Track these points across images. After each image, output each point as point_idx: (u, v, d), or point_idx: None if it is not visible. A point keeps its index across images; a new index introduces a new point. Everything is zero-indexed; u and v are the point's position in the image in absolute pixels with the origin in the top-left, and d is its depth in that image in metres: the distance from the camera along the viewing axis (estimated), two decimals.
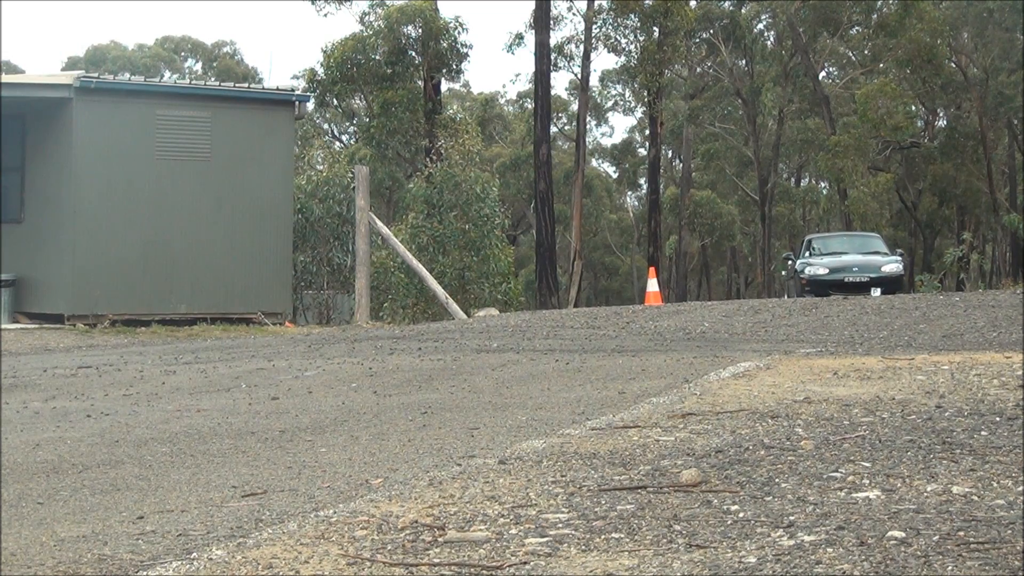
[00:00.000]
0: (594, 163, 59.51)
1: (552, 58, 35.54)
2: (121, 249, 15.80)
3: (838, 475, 3.94)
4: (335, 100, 37.85)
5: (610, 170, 63.08)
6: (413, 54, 34.19)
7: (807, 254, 24.06)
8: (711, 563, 2.97)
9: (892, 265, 22.40)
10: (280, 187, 17.07)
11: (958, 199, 46.50)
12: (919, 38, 38.53)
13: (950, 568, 2.81)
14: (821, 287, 21.80)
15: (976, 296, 13.74)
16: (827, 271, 22.34)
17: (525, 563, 3.08)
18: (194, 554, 3.37)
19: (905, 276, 22.80)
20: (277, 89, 17.46)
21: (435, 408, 6.19)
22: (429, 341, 10.26)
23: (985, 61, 43.92)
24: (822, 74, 46.65)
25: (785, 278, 26.12)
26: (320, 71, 34.17)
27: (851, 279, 22.01)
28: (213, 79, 48.55)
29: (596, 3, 36.21)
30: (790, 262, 24.13)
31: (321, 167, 23.45)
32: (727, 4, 45.16)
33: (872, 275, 22.08)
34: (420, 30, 33.61)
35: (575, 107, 47.86)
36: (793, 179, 56.44)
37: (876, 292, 21.01)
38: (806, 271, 22.59)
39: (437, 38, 33.33)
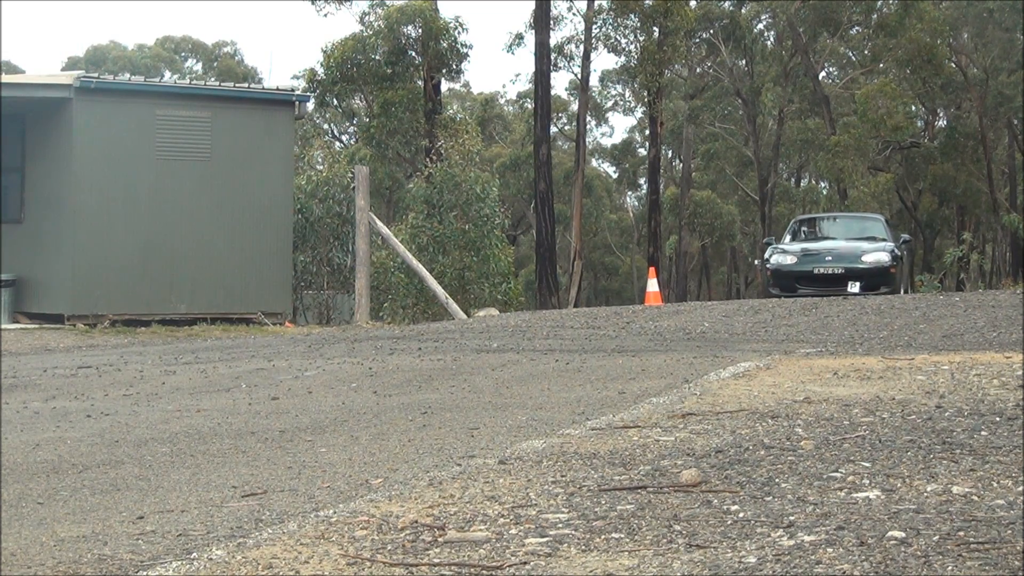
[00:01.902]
0: (594, 163, 59.53)
1: (552, 58, 35.55)
2: (121, 249, 15.80)
3: (838, 475, 3.93)
4: (335, 100, 37.86)
5: (610, 170, 63.12)
6: (413, 54, 34.20)
7: (788, 238, 20.60)
8: (711, 563, 2.97)
9: (877, 254, 18.67)
10: (280, 187, 17.07)
11: (958, 199, 46.53)
12: (919, 38, 38.56)
13: (950, 568, 2.81)
14: (786, 279, 18.51)
15: (976, 296, 13.74)
16: (795, 260, 18.73)
17: (525, 563, 3.08)
18: (194, 554, 3.37)
19: (896, 268, 18.75)
20: (277, 89, 17.46)
21: (435, 408, 6.19)
22: (429, 341, 10.25)
23: (985, 61, 43.94)
24: (822, 74, 46.68)
25: (759, 268, 21.82)
26: (320, 71, 34.17)
27: (822, 270, 18.46)
28: (213, 79, 48.58)
29: (596, 3, 36.22)
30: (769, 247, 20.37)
31: (321, 167, 23.45)
32: (727, 4, 45.17)
33: (848, 265, 18.49)
34: (420, 30, 33.61)
35: (575, 107, 47.89)
36: (793, 179, 56.46)
37: (854, 287, 18.03)
38: (772, 259, 18.95)
39: (437, 38, 33.33)
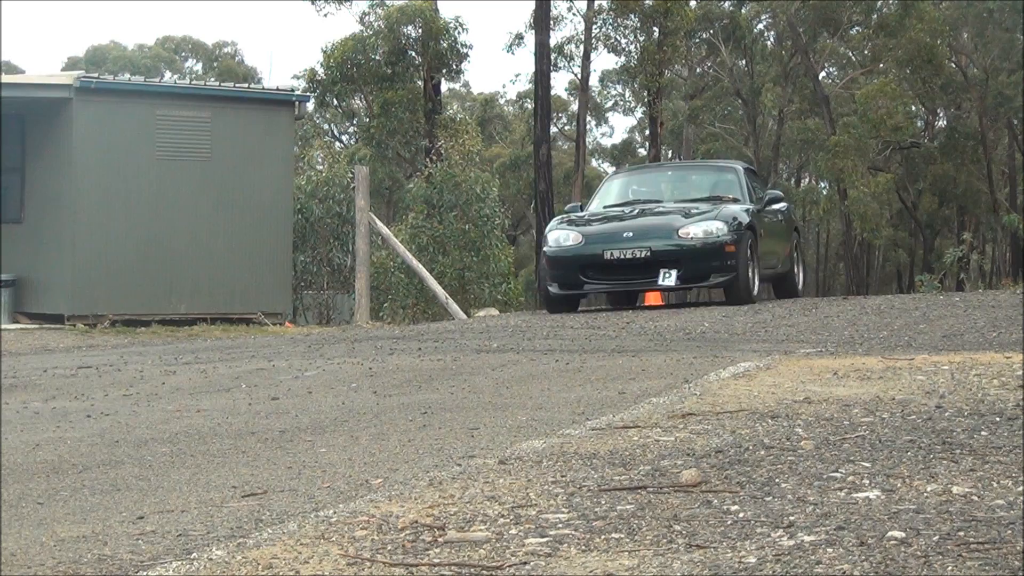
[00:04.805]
0: (594, 163, 59.54)
1: (552, 58, 35.56)
2: (121, 249, 15.81)
3: (838, 475, 3.93)
4: (335, 100, 37.89)
5: (610, 170, 63.13)
6: (413, 54, 34.22)
7: (594, 204, 14.39)
8: (711, 563, 2.97)
9: (704, 225, 12.73)
10: (280, 187, 17.08)
11: (958, 199, 46.54)
12: (919, 38, 38.57)
13: (950, 568, 2.81)
14: (568, 269, 12.87)
15: (976, 296, 13.74)
16: (580, 239, 12.89)
17: (525, 563, 3.08)
18: (194, 554, 3.37)
19: (738, 246, 12.74)
20: (277, 89, 17.48)
21: (435, 408, 6.18)
22: (429, 341, 10.25)
23: (985, 61, 43.96)
24: (822, 74, 46.69)
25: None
26: (320, 71, 34.21)
27: (616, 254, 12.63)
28: (213, 79, 48.59)
29: (596, 3, 36.23)
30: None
31: (321, 167, 23.48)
32: (727, 4, 45.18)
33: (657, 245, 12.69)
34: (420, 30, 33.64)
35: (575, 107, 47.91)
36: (793, 179, 56.46)
37: (668, 278, 12.60)
38: (549, 239, 13.23)
39: (437, 38, 33.35)
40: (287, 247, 17.25)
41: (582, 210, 14.13)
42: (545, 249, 13.26)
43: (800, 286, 15.23)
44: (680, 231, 12.74)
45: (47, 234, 16.01)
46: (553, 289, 13.10)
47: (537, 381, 7.11)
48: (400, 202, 33.64)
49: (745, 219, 13.03)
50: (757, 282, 13.31)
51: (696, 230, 12.70)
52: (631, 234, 12.80)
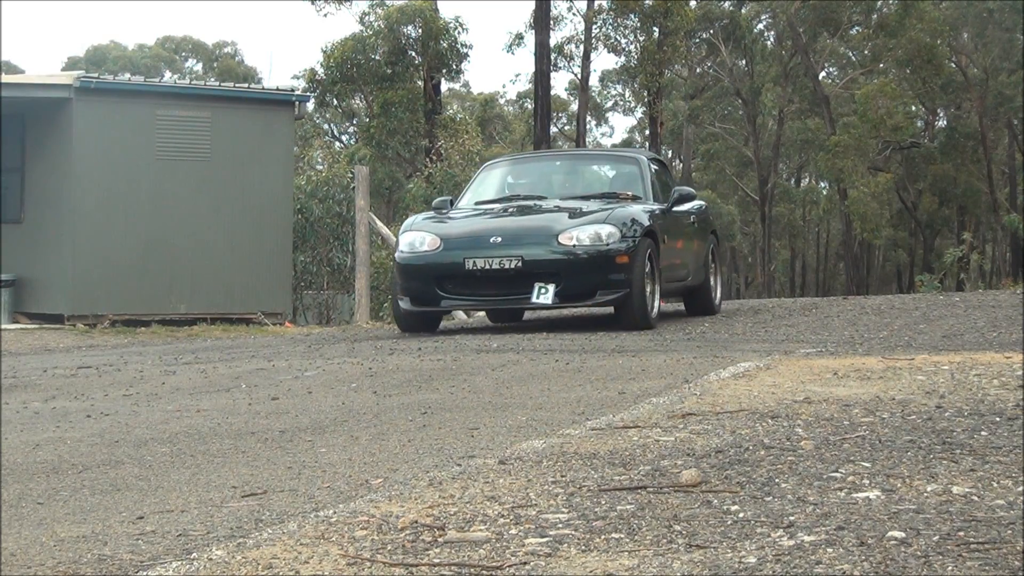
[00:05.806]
0: None
1: (552, 58, 35.59)
2: (121, 249, 15.81)
3: (838, 475, 3.93)
4: (335, 100, 37.92)
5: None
6: (413, 54, 34.24)
7: (464, 199, 12.06)
8: (711, 563, 2.97)
9: (589, 229, 10.36)
10: (280, 187, 17.08)
11: (958, 199, 46.56)
12: (919, 38, 38.60)
13: (950, 568, 2.81)
14: (422, 280, 10.63)
15: (976, 296, 13.74)
16: (439, 245, 10.62)
17: (525, 563, 3.08)
18: (194, 554, 3.37)
19: (632, 255, 10.32)
20: (277, 89, 17.48)
21: (435, 408, 6.18)
22: (429, 341, 10.26)
23: (985, 61, 43.96)
24: (822, 74, 46.71)
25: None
26: (320, 71, 34.24)
27: (480, 263, 10.37)
28: (213, 79, 48.59)
29: (596, 3, 36.24)
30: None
31: (321, 167, 23.48)
32: (727, 4, 45.20)
33: (530, 254, 10.35)
34: (420, 30, 33.66)
35: (575, 107, 47.92)
36: (793, 179, 56.48)
37: (544, 295, 10.22)
38: (402, 243, 10.93)
39: (437, 38, 33.37)
40: (287, 247, 17.25)
41: (452, 206, 11.77)
42: (396, 255, 10.96)
43: (717, 300, 12.88)
44: (560, 237, 10.36)
45: (47, 234, 16.01)
46: (404, 304, 10.90)
47: (537, 381, 7.11)
48: (400, 202, 33.64)
49: (644, 222, 10.60)
50: (658, 300, 10.97)
51: (580, 235, 10.36)
52: (499, 239, 10.42)
